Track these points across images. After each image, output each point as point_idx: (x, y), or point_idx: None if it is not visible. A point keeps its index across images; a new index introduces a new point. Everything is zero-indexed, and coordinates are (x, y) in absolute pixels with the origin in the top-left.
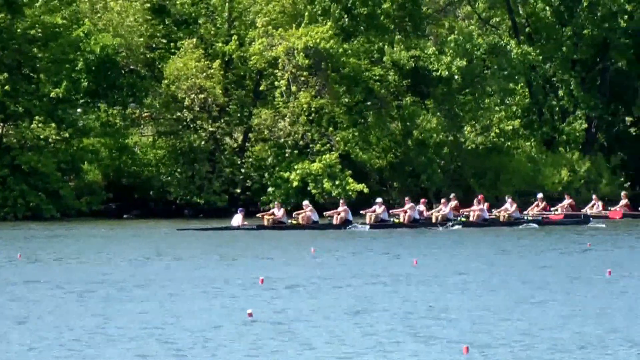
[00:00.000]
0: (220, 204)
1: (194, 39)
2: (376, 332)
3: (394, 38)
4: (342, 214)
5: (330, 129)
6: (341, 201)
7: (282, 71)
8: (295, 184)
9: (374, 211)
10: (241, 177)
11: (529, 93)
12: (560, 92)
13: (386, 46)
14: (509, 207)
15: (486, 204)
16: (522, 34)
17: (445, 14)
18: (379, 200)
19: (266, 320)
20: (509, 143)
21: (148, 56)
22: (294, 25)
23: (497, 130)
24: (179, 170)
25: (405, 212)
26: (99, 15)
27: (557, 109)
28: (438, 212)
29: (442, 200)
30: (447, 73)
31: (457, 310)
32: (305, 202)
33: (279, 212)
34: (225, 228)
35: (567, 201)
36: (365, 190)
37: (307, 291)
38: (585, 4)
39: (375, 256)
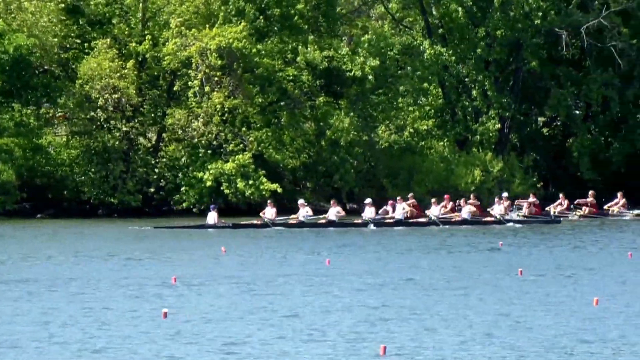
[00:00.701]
0: (134, 204)
1: (108, 39)
2: (285, 334)
3: (307, 38)
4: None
5: (244, 129)
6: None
7: (195, 71)
8: (208, 183)
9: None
10: (155, 177)
11: (443, 93)
12: (474, 93)
13: (300, 46)
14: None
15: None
16: (436, 34)
17: (359, 15)
18: (368, 201)
19: (176, 319)
20: (422, 143)
21: (62, 56)
22: (207, 25)
23: (411, 130)
24: (93, 170)
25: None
26: (12, 15)
27: (470, 109)
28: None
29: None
30: (360, 73)
31: (371, 310)
32: (301, 201)
33: (270, 211)
34: (201, 226)
35: (531, 199)
36: (279, 190)
37: (210, 291)
38: (497, 5)
39: (295, 256)
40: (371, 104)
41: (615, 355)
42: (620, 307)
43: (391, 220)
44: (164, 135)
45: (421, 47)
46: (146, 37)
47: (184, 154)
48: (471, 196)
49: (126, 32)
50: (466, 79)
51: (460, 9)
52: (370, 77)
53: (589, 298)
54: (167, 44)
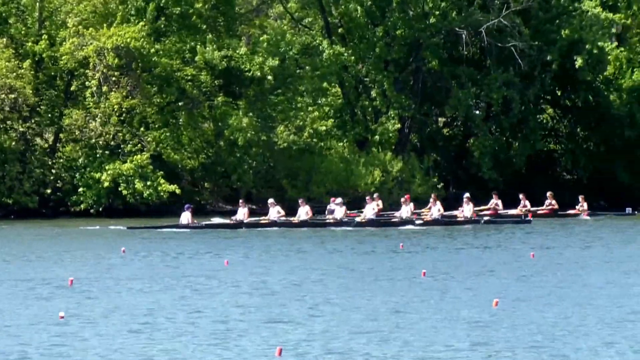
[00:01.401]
0: (31, 205)
1: (4, 39)
2: (181, 334)
3: (206, 38)
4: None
5: (142, 129)
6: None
7: (93, 71)
8: (106, 184)
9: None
10: (52, 177)
11: (342, 93)
12: (373, 93)
13: (198, 46)
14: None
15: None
16: (335, 34)
17: (257, 14)
18: (339, 200)
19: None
20: (321, 143)
21: None
22: (105, 25)
23: (310, 131)
24: None
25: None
26: None
27: (370, 109)
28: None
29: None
30: (259, 73)
31: (265, 311)
32: (271, 200)
33: (242, 211)
34: (175, 226)
35: (525, 201)
36: (178, 191)
37: (102, 291)
38: (395, 4)
39: (201, 257)
40: (270, 104)
41: (515, 356)
42: (519, 308)
43: (364, 220)
44: (61, 135)
45: (320, 46)
46: (43, 37)
47: (82, 155)
48: (432, 197)
49: (23, 32)
50: (366, 79)
51: (359, 8)
52: (269, 77)
53: (490, 299)
54: (64, 43)
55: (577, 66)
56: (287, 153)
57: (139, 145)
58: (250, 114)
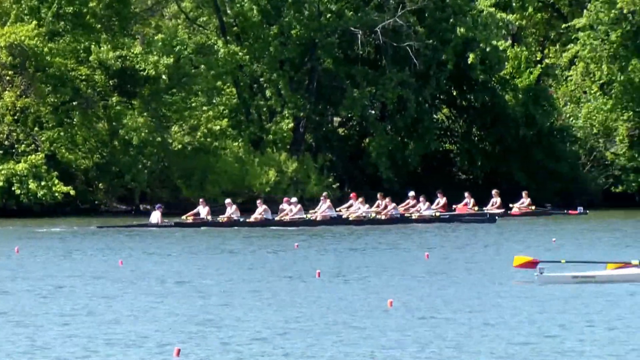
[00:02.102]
0: None
1: None
2: (75, 336)
3: (100, 37)
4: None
5: (36, 128)
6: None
7: None
8: (0, 184)
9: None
10: None
11: (237, 93)
12: (268, 92)
13: (93, 46)
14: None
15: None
16: (230, 33)
17: (152, 14)
18: (294, 199)
19: None
20: (216, 143)
21: None
22: None
23: (204, 130)
24: None
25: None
26: None
27: (264, 109)
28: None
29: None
30: (154, 72)
31: (156, 312)
32: (228, 201)
33: (203, 211)
34: (144, 225)
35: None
36: (72, 192)
37: None
38: (290, 3)
39: (89, 256)
40: (165, 103)
41: (406, 356)
42: (412, 308)
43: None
44: None
45: (215, 46)
46: None
47: None
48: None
49: None
50: (261, 79)
51: (254, 7)
52: (163, 76)
53: (384, 299)
54: None
55: (469, 62)
56: (182, 153)
57: (33, 145)
58: (145, 113)
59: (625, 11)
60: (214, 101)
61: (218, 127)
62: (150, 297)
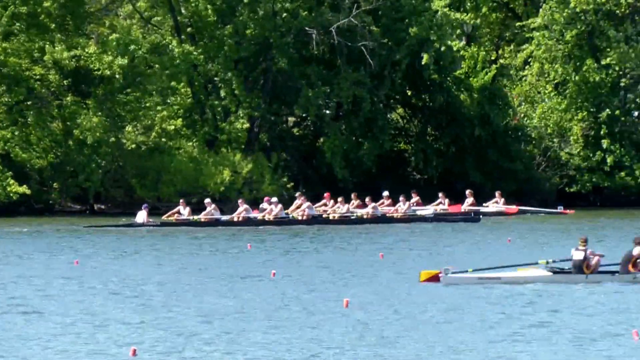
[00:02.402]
0: None
1: None
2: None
3: (55, 37)
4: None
5: None
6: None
7: None
8: None
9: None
10: None
11: (192, 93)
12: (223, 92)
13: (47, 45)
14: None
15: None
16: (185, 33)
17: (107, 13)
18: (274, 199)
19: None
20: (170, 143)
21: None
22: None
23: (159, 130)
24: None
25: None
26: None
27: (219, 108)
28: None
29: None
30: (108, 72)
31: (110, 313)
32: (207, 200)
33: (184, 211)
34: (130, 225)
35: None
36: (27, 192)
37: None
38: (245, 3)
39: (50, 256)
40: (119, 103)
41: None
42: (367, 307)
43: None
44: None
45: (170, 46)
46: None
47: None
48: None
49: None
50: (215, 78)
51: (209, 7)
52: (118, 76)
53: (340, 299)
54: None
55: (423, 63)
56: (136, 153)
57: None
58: (100, 113)
59: (578, 10)
60: (169, 101)
61: (172, 127)
62: (103, 297)
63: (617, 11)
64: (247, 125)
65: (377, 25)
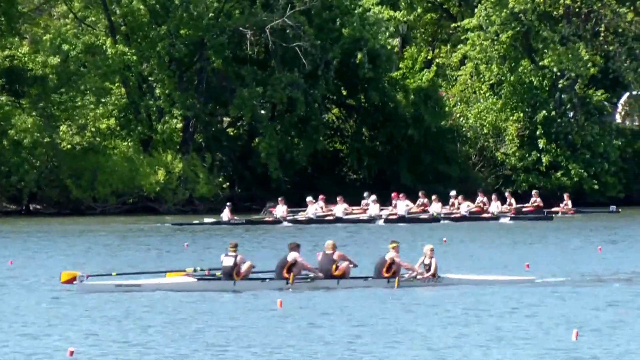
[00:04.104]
0: None
1: None
2: None
3: None
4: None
5: None
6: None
7: None
8: None
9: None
10: None
11: (126, 92)
12: (157, 92)
13: None
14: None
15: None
16: (119, 33)
17: (40, 13)
18: (373, 198)
19: None
20: (105, 143)
21: None
22: None
23: (93, 130)
24: None
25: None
26: None
27: (154, 108)
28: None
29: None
30: (42, 72)
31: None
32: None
33: (279, 210)
34: (217, 223)
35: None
36: None
37: None
38: (178, 3)
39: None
40: (53, 103)
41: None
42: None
43: (395, 217)
44: None
45: (104, 46)
46: None
47: None
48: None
49: None
50: (150, 78)
51: (142, 7)
52: (52, 76)
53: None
54: None
55: (357, 62)
56: (71, 153)
57: None
58: (34, 113)
59: (516, 10)
60: (103, 100)
61: (105, 126)
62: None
63: (554, 12)
64: (181, 125)
65: (311, 26)
